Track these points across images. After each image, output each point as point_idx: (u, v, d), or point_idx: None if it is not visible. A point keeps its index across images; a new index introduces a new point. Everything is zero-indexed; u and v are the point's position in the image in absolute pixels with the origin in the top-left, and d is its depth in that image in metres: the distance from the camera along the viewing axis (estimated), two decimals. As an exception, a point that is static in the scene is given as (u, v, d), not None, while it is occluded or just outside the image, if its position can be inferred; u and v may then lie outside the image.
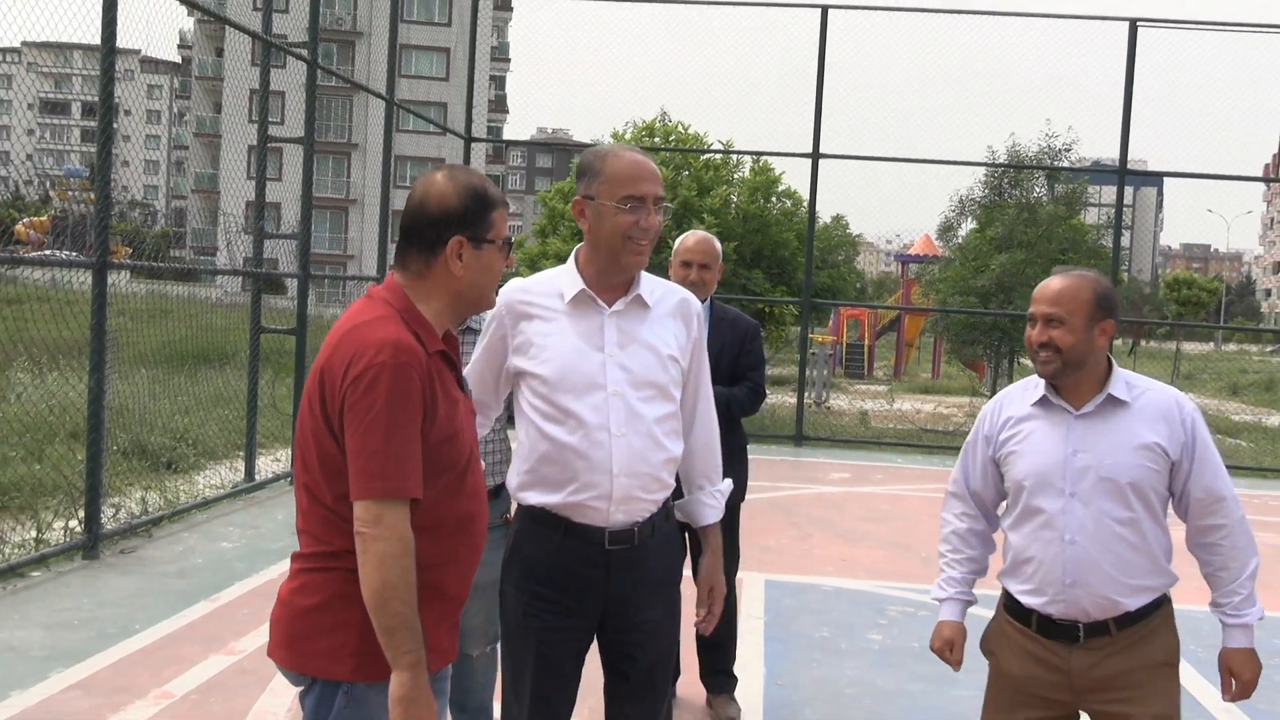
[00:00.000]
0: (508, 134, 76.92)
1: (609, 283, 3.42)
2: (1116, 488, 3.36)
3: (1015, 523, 3.55)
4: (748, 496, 5.97)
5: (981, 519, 3.72)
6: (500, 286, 3.17)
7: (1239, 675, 3.46)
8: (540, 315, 3.38)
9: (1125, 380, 3.47)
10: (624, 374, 3.37)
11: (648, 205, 3.32)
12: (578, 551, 3.37)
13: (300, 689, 2.86)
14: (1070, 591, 3.39)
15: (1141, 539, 3.39)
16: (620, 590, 3.41)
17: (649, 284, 3.49)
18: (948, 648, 3.68)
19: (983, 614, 3.76)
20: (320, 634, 2.74)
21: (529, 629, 3.40)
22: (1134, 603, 3.39)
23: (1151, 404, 3.42)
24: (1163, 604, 3.48)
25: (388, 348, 2.65)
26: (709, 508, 3.69)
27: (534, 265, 30.22)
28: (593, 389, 3.33)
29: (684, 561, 3.73)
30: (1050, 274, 3.57)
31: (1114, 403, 3.43)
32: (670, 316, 3.50)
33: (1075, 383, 3.45)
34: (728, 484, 3.78)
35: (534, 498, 3.38)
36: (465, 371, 3.27)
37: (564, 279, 3.44)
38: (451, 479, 2.80)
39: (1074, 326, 3.37)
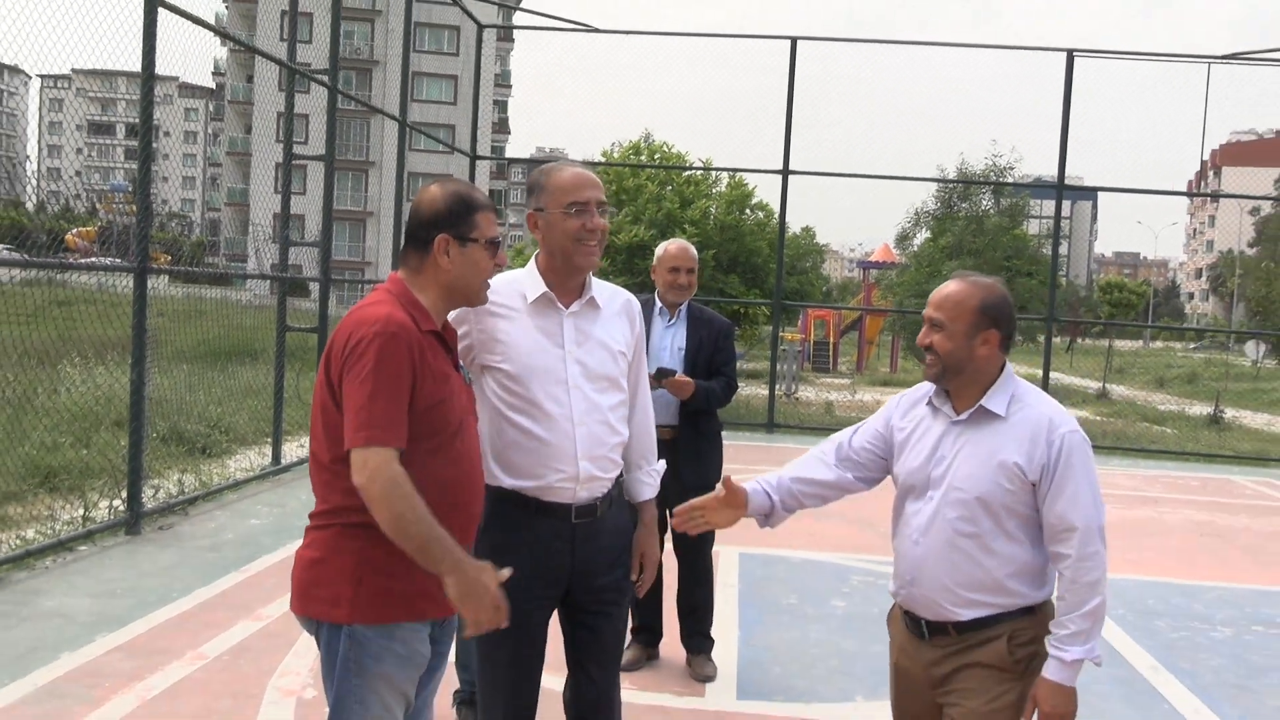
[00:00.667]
0: (510, 152, 76.86)
1: (566, 286, 3.48)
2: (965, 500, 3.04)
3: (893, 515, 3.32)
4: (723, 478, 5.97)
5: (835, 469, 3.36)
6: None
7: (1040, 706, 2.98)
8: (503, 314, 3.40)
9: (1012, 394, 3.10)
10: (581, 369, 3.43)
11: (591, 209, 3.39)
12: (547, 527, 3.41)
13: (313, 635, 2.91)
14: (909, 589, 3.17)
15: (986, 555, 3.03)
16: (584, 559, 3.46)
17: (598, 287, 3.57)
18: (728, 487, 3.30)
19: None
20: (321, 583, 2.80)
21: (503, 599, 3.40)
22: (965, 614, 3.06)
23: (1025, 421, 3.04)
24: (1010, 619, 3.06)
25: (380, 321, 2.75)
26: (646, 485, 3.75)
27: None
28: (555, 382, 3.39)
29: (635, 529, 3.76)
30: (949, 277, 3.25)
31: (987, 415, 3.08)
32: (617, 316, 3.59)
33: (960, 388, 3.13)
34: (662, 464, 3.85)
35: (504, 480, 3.39)
36: None
37: (526, 281, 3.48)
38: (437, 442, 2.85)
39: (953, 333, 3.07)
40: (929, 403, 3.23)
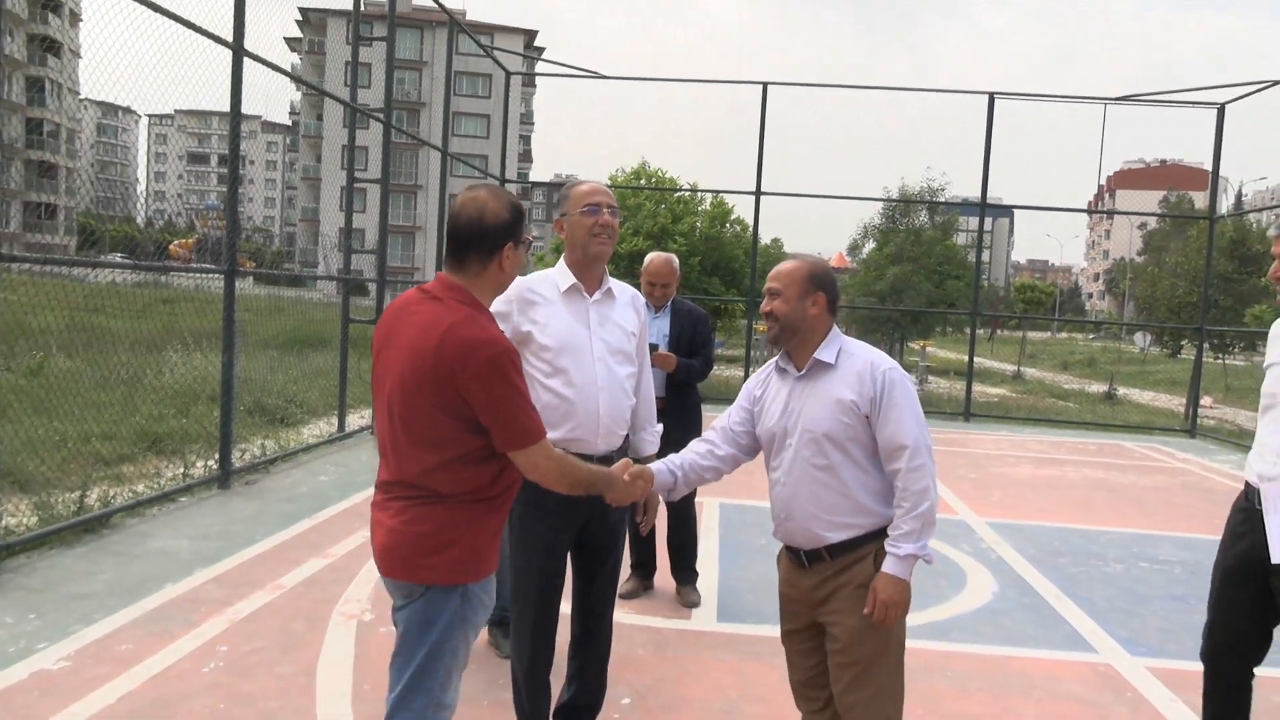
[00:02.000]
0: (533, 177, 76.91)
1: (588, 278, 3.58)
2: (814, 438, 2.99)
3: (766, 469, 3.23)
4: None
5: (722, 447, 3.29)
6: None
7: (878, 595, 2.91)
8: (541, 302, 3.50)
9: (840, 347, 3.06)
10: (604, 345, 3.53)
11: (601, 209, 3.52)
12: None
13: (405, 600, 2.68)
14: (785, 525, 3.10)
15: (840, 483, 2.98)
16: (600, 501, 3.46)
17: (612, 281, 3.68)
18: (626, 469, 3.14)
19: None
20: (438, 551, 2.61)
21: (535, 533, 3.48)
22: (835, 536, 3.00)
23: (852, 367, 3.00)
24: (873, 540, 3.00)
25: (494, 342, 2.56)
26: (648, 443, 3.87)
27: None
28: (584, 355, 3.48)
29: None
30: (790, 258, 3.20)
31: (821, 366, 3.04)
32: (627, 305, 3.70)
33: (797, 348, 3.09)
34: (660, 427, 3.96)
35: None
36: None
37: (558, 275, 3.58)
38: None
39: (788, 298, 3.05)
40: (777, 367, 3.19)
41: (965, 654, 5.16)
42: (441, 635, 2.64)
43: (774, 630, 5.30)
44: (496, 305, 3.47)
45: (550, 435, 3.40)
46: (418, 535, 2.61)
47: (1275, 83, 14.45)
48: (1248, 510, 3.46)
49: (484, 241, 2.69)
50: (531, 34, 71.12)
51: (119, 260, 11.64)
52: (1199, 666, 3.72)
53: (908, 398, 2.96)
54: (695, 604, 5.73)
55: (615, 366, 3.53)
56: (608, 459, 3.49)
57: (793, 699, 3.28)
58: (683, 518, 5.86)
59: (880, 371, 2.96)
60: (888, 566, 2.91)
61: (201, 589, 5.54)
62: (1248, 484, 3.48)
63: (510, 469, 2.70)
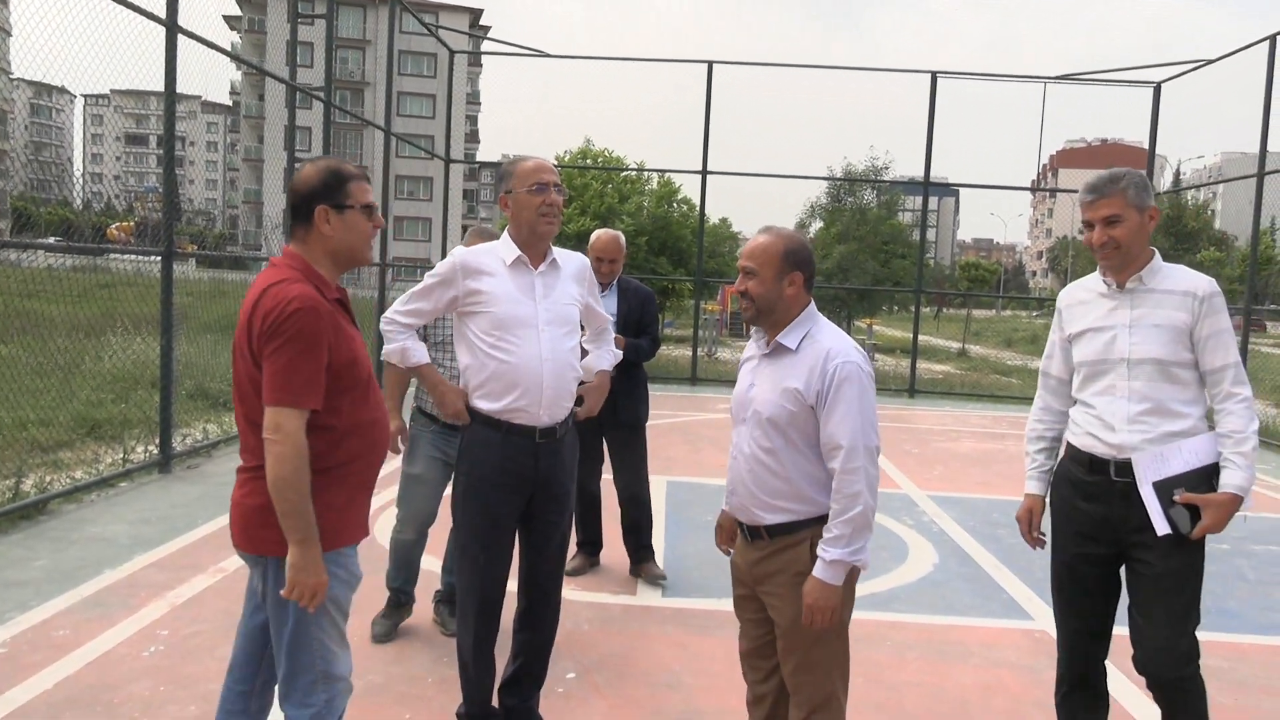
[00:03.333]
0: (480, 157, 76.42)
1: (533, 251, 3.56)
2: (761, 420, 2.94)
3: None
4: (655, 421, 5.99)
5: None
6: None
7: (806, 598, 2.86)
8: (487, 273, 3.48)
9: (808, 331, 2.97)
10: (549, 316, 3.52)
11: (548, 188, 3.51)
12: (516, 445, 3.48)
13: (260, 578, 2.75)
14: (731, 498, 3.10)
15: (781, 467, 2.92)
16: (545, 472, 3.54)
17: (558, 253, 3.67)
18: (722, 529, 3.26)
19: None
20: (270, 524, 2.59)
21: (479, 504, 3.49)
22: (770, 518, 2.97)
23: (810, 354, 2.91)
24: (810, 525, 2.93)
25: (296, 298, 2.54)
26: (603, 359, 4.03)
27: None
28: (529, 327, 3.47)
29: (578, 451, 3.84)
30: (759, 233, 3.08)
31: (782, 349, 2.96)
32: (573, 276, 3.69)
33: (769, 328, 3.01)
34: (618, 354, 4.08)
35: (483, 406, 3.47)
36: (411, 297, 3.53)
37: (503, 249, 3.56)
38: (358, 394, 2.68)
39: (764, 278, 2.94)
40: (755, 340, 3.13)
41: (906, 623, 5.25)
42: (297, 610, 2.63)
43: (719, 605, 5.38)
44: (437, 271, 3.50)
45: (494, 405, 3.44)
46: (254, 508, 2.63)
47: (1208, 62, 14.72)
48: (1099, 484, 3.25)
49: (297, 207, 2.71)
50: (477, 13, 70.51)
51: (52, 243, 11.42)
52: (1128, 631, 3.54)
53: (857, 394, 2.85)
54: (662, 577, 5.74)
55: (560, 338, 3.52)
56: (551, 431, 3.52)
57: (739, 669, 3.31)
58: (637, 498, 5.86)
59: (832, 364, 2.86)
60: (817, 570, 2.85)
61: (141, 574, 5.48)
62: (1091, 456, 3.27)
63: (349, 441, 2.66)
